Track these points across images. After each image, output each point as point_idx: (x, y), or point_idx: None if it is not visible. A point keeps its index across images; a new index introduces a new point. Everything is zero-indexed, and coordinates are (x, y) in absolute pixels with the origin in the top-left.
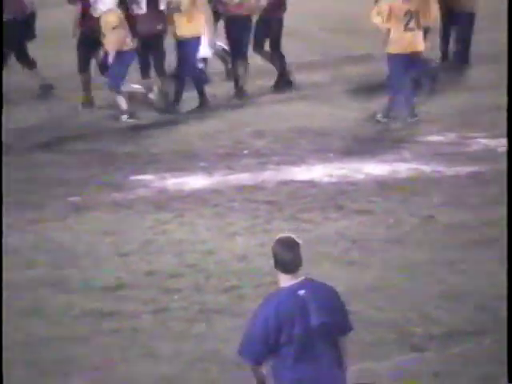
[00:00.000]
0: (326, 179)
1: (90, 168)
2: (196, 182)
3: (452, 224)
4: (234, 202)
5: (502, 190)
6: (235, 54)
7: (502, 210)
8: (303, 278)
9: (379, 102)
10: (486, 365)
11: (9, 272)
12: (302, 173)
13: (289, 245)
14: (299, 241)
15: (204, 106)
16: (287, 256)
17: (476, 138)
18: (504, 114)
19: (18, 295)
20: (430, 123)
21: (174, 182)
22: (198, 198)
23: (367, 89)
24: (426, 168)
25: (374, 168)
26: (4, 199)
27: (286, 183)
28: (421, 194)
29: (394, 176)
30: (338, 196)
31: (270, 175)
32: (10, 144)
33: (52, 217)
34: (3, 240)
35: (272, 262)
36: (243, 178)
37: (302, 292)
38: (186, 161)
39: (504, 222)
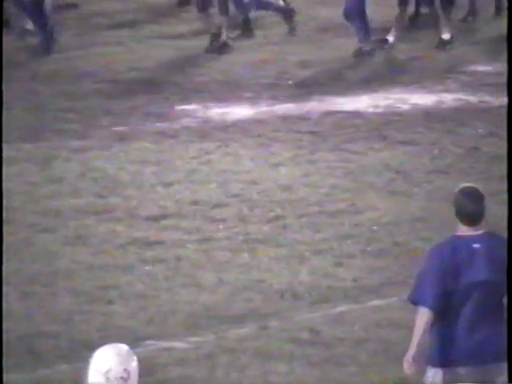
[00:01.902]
0: (371, 109)
1: (134, 97)
2: (240, 111)
3: (497, 155)
4: (278, 132)
5: None
6: None
7: None
8: (483, 231)
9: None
10: None
11: (54, 200)
12: (347, 103)
13: (473, 196)
14: (483, 193)
15: (247, 34)
16: (470, 208)
17: None
18: None
19: (62, 223)
20: (477, 52)
21: (218, 112)
22: (242, 128)
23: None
24: (472, 98)
25: (420, 98)
26: (49, 127)
27: (330, 113)
28: (466, 124)
29: (439, 106)
30: (382, 126)
31: (315, 105)
32: (53, 71)
33: (97, 146)
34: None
35: (316, 192)
36: (287, 108)
37: (477, 246)
38: (230, 90)
39: None
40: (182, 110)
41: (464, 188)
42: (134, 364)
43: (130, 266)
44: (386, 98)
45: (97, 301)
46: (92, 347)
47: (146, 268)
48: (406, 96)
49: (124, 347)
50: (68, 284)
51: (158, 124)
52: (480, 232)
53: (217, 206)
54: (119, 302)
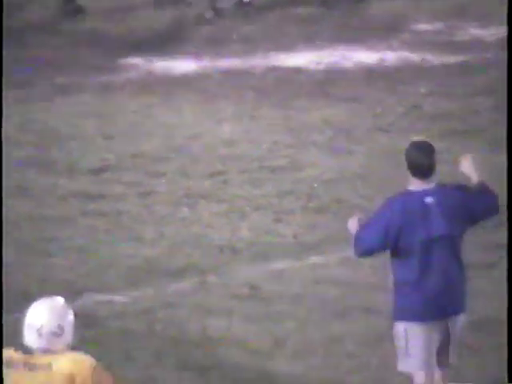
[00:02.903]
0: (314, 66)
1: (78, 49)
2: (184, 66)
3: (438, 114)
4: (221, 87)
5: (489, 80)
6: None
7: (488, 101)
8: (435, 183)
9: None
10: None
11: None
12: (290, 59)
13: (425, 149)
14: (434, 146)
15: None
16: (421, 160)
17: (465, 27)
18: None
19: (4, 175)
20: (419, 11)
21: (162, 66)
22: (185, 82)
23: None
24: (414, 57)
25: (362, 56)
26: None
27: (273, 69)
28: (408, 83)
29: (381, 64)
30: (325, 83)
31: (258, 61)
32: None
33: (38, 98)
34: None
35: (258, 148)
36: (231, 63)
37: (429, 199)
38: (174, 44)
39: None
40: (126, 63)
41: (415, 142)
42: (69, 318)
43: (70, 219)
44: (329, 55)
45: (36, 253)
46: (31, 299)
47: (87, 221)
48: (348, 53)
49: (58, 301)
50: (8, 236)
51: (100, 77)
52: (431, 185)
53: (158, 159)
54: (59, 254)
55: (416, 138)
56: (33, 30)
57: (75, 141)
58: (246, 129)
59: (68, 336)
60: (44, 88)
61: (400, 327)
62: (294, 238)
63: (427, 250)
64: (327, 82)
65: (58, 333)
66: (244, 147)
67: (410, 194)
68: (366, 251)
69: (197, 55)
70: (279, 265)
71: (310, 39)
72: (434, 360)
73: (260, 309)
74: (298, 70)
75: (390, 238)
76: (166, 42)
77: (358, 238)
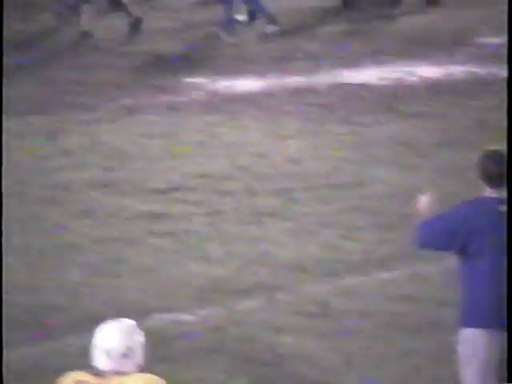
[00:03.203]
0: (379, 82)
1: (142, 71)
2: (249, 84)
3: (504, 128)
4: (286, 104)
5: None
6: None
7: None
8: (507, 192)
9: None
10: None
11: (61, 173)
12: (355, 76)
13: (497, 158)
14: (505, 155)
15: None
16: (495, 169)
17: None
18: None
19: (70, 196)
20: (483, 24)
21: (226, 85)
22: (250, 100)
23: None
24: (479, 70)
25: (427, 70)
26: (56, 100)
27: (338, 86)
28: (474, 97)
29: (447, 78)
30: (390, 99)
31: (323, 78)
32: (64, 45)
33: (104, 119)
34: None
35: (324, 164)
36: (296, 80)
37: (504, 208)
38: (238, 64)
39: None
40: (190, 82)
41: (487, 151)
42: (138, 340)
43: (137, 239)
44: (393, 71)
45: (105, 274)
46: (100, 320)
47: (154, 241)
48: (413, 68)
49: (127, 323)
50: (75, 257)
51: (166, 97)
52: (504, 194)
53: (225, 178)
54: (127, 275)
55: (489, 148)
56: (98, 52)
57: (141, 161)
58: (312, 146)
59: (138, 357)
60: (110, 109)
61: (467, 333)
62: (362, 254)
63: (497, 257)
64: (393, 98)
65: (127, 354)
66: (310, 164)
67: (483, 200)
68: (424, 246)
69: (261, 73)
70: (348, 281)
71: (374, 55)
72: (491, 371)
73: (329, 325)
74: (363, 86)
75: (454, 240)
76: (230, 60)
77: (419, 231)
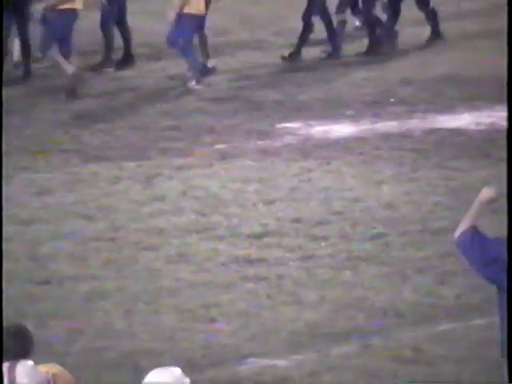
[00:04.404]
0: (474, 127)
1: (236, 116)
2: (342, 129)
3: None
4: (380, 149)
5: None
6: None
7: None
8: None
9: None
10: None
11: (157, 218)
12: (449, 121)
13: None
14: None
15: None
16: None
17: None
18: None
19: (165, 241)
20: None
21: (320, 130)
22: (343, 145)
23: None
24: None
25: None
26: (152, 145)
27: (432, 131)
28: None
29: None
30: (485, 144)
31: (417, 123)
32: (156, 90)
33: (199, 164)
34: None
35: (418, 209)
36: (389, 125)
37: None
38: (332, 108)
39: None
40: (284, 127)
41: None
42: None
43: (231, 284)
44: (488, 116)
45: (199, 319)
46: (195, 364)
47: (248, 286)
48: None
49: (171, 370)
50: (171, 302)
51: (259, 142)
52: None
53: (319, 223)
54: (221, 319)
55: None
56: (190, 96)
57: (236, 206)
58: (406, 191)
59: None
60: (204, 154)
61: None
62: (456, 299)
63: None
64: (487, 143)
65: None
66: (404, 209)
67: None
68: (457, 247)
69: (355, 118)
70: (442, 327)
71: (467, 100)
72: None
73: (424, 371)
74: (457, 132)
75: (488, 269)
76: (324, 105)
77: (461, 235)
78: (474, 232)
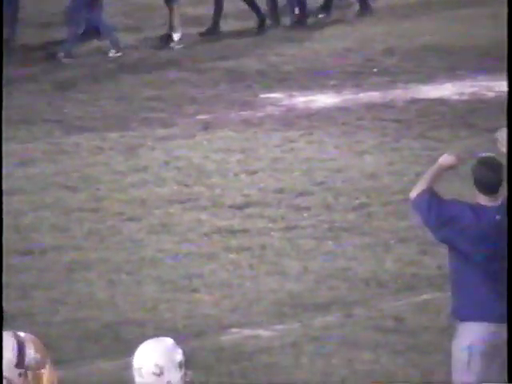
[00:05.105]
0: (456, 97)
1: (218, 86)
2: (324, 100)
3: None
4: (362, 120)
5: None
6: None
7: None
8: (501, 199)
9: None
10: None
11: (139, 189)
12: (432, 91)
13: (491, 165)
14: (502, 161)
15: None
16: (489, 177)
17: None
18: None
19: (148, 212)
20: None
21: (302, 100)
22: (326, 116)
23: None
24: None
25: (504, 85)
26: (135, 116)
27: (415, 101)
28: None
29: None
30: (468, 114)
31: (399, 93)
32: (138, 61)
33: (181, 135)
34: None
35: (401, 180)
36: (372, 96)
37: (498, 217)
38: (314, 79)
39: None
40: (266, 98)
41: (481, 157)
42: (172, 358)
43: (214, 255)
44: (471, 86)
45: (182, 289)
46: (177, 335)
47: (231, 256)
48: (490, 83)
49: (162, 342)
50: (153, 272)
51: (242, 112)
52: (499, 202)
53: (301, 194)
54: (204, 290)
55: (483, 154)
56: (175, 67)
57: (218, 177)
58: (389, 161)
59: (170, 375)
60: (186, 125)
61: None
62: (439, 269)
63: (493, 265)
64: (469, 113)
65: (156, 373)
66: (387, 179)
67: (480, 207)
68: (415, 206)
69: (337, 89)
70: (425, 296)
71: (450, 70)
72: None
73: (406, 341)
74: (439, 102)
75: (443, 225)
76: (306, 76)
77: (424, 194)
78: (431, 194)
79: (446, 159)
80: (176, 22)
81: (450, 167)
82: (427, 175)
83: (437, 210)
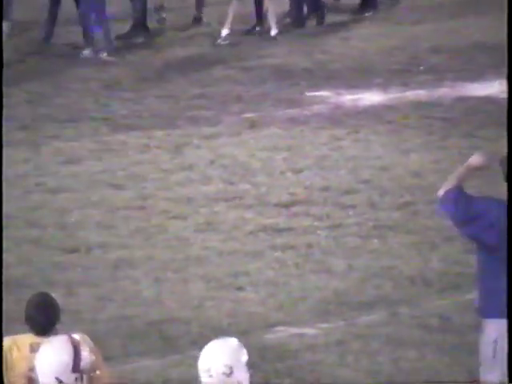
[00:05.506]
0: (504, 95)
1: (265, 84)
2: (371, 98)
3: None
4: (409, 118)
5: None
6: None
7: None
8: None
9: None
10: None
11: (185, 187)
12: (479, 89)
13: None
14: None
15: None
16: None
17: None
18: None
19: (193, 210)
20: None
21: (349, 98)
22: (372, 114)
23: None
24: None
25: None
26: (181, 114)
27: (462, 99)
28: None
29: None
30: None
31: (446, 91)
32: (185, 59)
33: (227, 133)
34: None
35: (446, 178)
36: (419, 94)
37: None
38: (361, 77)
39: None
40: (313, 96)
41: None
42: (239, 358)
43: (259, 253)
44: None
45: (227, 287)
46: (222, 333)
47: (276, 255)
48: None
49: (228, 342)
50: (199, 270)
51: (288, 110)
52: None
53: (347, 192)
54: (249, 288)
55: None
56: (221, 65)
57: (264, 175)
58: (435, 159)
59: (239, 375)
60: (232, 123)
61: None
62: None
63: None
64: None
65: (227, 373)
66: (432, 178)
67: (498, 202)
68: (441, 204)
69: (384, 87)
70: (470, 295)
71: (498, 68)
72: None
73: (451, 340)
74: (487, 100)
75: (477, 223)
76: (353, 74)
77: (446, 193)
78: (459, 191)
79: (475, 160)
80: (229, 18)
81: (479, 168)
82: (456, 174)
83: (464, 206)
